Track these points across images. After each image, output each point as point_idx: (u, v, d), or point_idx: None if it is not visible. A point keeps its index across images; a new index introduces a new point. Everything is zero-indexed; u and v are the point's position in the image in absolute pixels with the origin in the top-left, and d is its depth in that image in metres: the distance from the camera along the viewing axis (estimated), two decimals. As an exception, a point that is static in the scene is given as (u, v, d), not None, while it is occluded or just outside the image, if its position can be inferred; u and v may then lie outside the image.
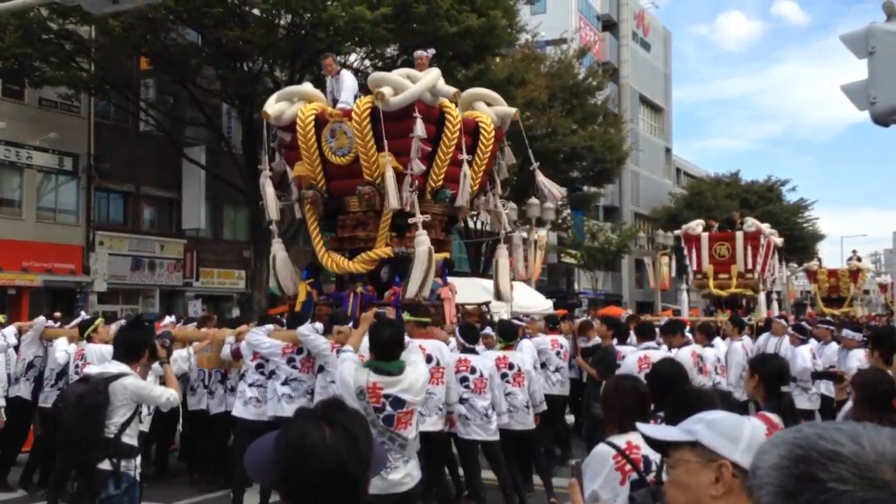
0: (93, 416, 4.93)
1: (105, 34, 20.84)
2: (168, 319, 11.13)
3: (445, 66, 23.18)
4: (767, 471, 1.18)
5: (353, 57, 23.55)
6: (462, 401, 7.24)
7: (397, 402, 4.75)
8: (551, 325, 10.58)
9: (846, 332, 10.40)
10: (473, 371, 7.35)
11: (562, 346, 10.16)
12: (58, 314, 11.09)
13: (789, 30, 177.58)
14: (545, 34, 33.71)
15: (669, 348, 8.37)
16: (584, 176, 34.53)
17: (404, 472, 4.84)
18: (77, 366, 7.97)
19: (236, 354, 8.03)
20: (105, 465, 4.98)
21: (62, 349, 8.44)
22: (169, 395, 5.35)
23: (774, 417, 3.61)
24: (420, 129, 9.34)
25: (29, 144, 22.84)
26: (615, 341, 9.14)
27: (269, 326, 8.00)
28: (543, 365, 10.05)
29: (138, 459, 5.19)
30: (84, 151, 24.49)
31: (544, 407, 8.58)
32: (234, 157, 23.30)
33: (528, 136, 29.42)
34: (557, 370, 10.08)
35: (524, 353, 9.33)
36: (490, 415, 7.40)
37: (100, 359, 7.51)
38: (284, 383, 7.51)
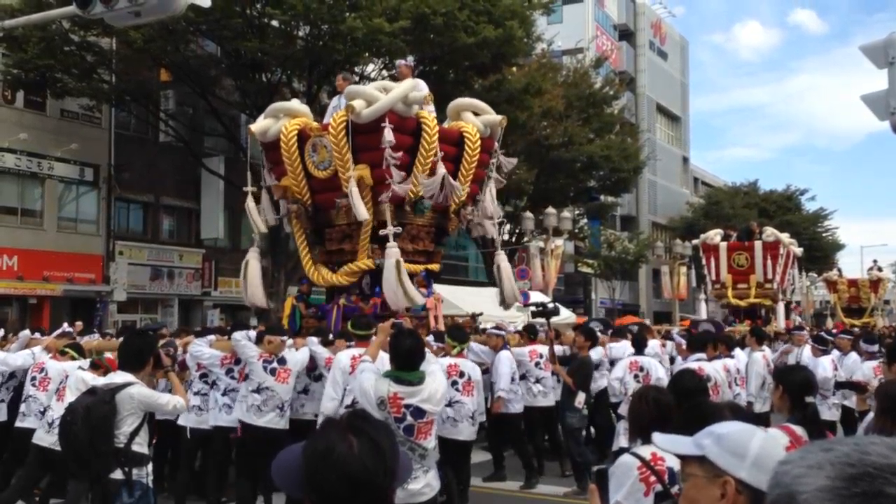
0: (102, 428, 4.96)
1: (126, 46, 21.08)
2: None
3: (462, 76, 23.33)
4: (817, 494, 1.11)
5: (370, 67, 23.68)
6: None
7: (418, 412, 4.76)
8: (530, 335, 10.43)
9: (863, 344, 10.36)
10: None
11: (541, 356, 9.90)
12: (79, 323, 11.13)
13: (807, 39, 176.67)
14: (561, 44, 33.76)
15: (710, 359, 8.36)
16: (600, 185, 34.49)
17: (424, 482, 4.85)
18: (34, 378, 7.96)
19: (182, 365, 8.13)
20: (117, 474, 5.02)
21: (30, 352, 8.43)
22: (176, 402, 5.41)
23: (798, 429, 3.58)
24: (388, 137, 9.36)
25: (50, 155, 23.10)
26: (633, 350, 9.11)
27: (212, 337, 8.14)
28: (523, 377, 9.87)
29: (150, 467, 5.24)
30: (104, 162, 24.74)
31: (483, 418, 8.42)
32: (252, 167, 23.40)
33: (544, 145, 29.57)
34: (538, 381, 9.89)
35: (501, 363, 9.33)
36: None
37: (59, 375, 7.58)
38: (224, 393, 7.65)
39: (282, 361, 7.42)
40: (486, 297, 15.98)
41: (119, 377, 5.22)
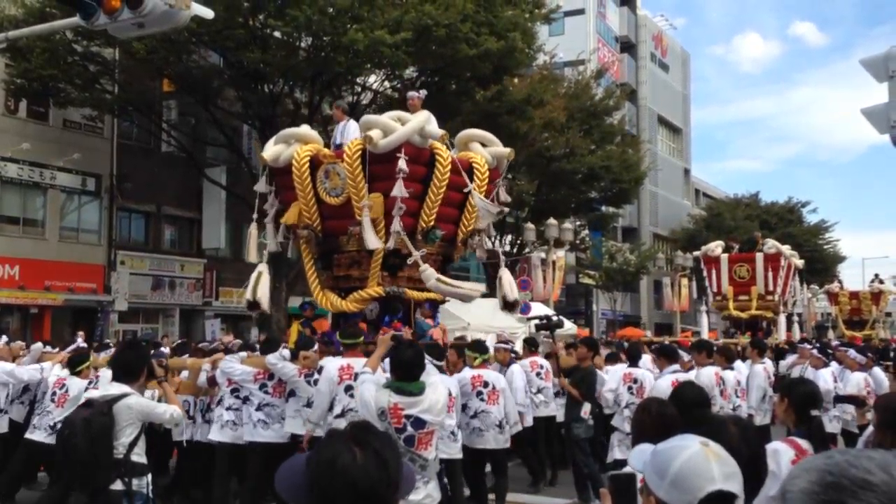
0: (101, 439, 4.95)
1: (129, 56, 21.19)
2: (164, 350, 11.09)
3: (464, 87, 23.39)
4: (797, 495, 1.22)
5: (372, 79, 23.75)
6: None
7: (418, 423, 4.77)
8: (531, 347, 10.59)
9: (850, 353, 10.35)
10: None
11: (542, 367, 10.20)
12: (81, 333, 11.15)
13: (808, 51, 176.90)
14: (563, 55, 33.83)
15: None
16: (602, 196, 34.51)
17: (424, 493, 4.85)
18: (55, 393, 7.97)
19: (211, 381, 8.20)
20: (117, 485, 5.00)
21: (39, 366, 8.50)
22: (173, 411, 5.40)
23: (804, 443, 3.58)
24: (402, 167, 9.44)
25: (53, 165, 23.16)
26: (627, 364, 9.12)
27: (243, 354, 8.24)
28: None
29: (149, 477, 5.24)
30: (107, 172, 24.79)
31: (519, 427, 8.61)
32: (254, 177, 23.44)
33: (546, 156, 29.60)
34: (540, 391, 10.09)
35: (514, 377, 9.50)
36: (456, 433, 7.47)
37: (80, 390, 7.60)
38: (258, 409, 7.72)
39: (321, 372, 7.48)
40: (487, 308, 15.96)
41: (115, 388, 5.20)
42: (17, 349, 10.43)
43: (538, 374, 10.10)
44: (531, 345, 10.69)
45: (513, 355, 10.55)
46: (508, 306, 11.55)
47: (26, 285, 22.19)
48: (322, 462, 1.67)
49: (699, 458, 1.82)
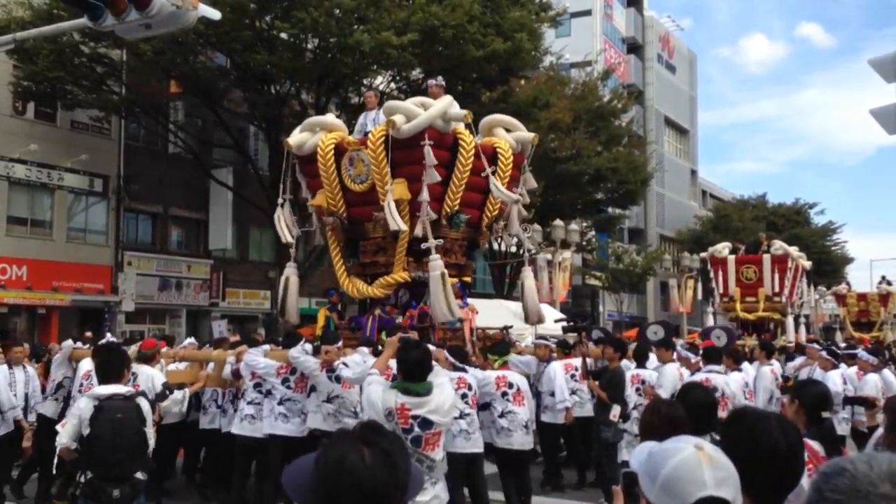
0: (144, 427, 5.16)
1: (136, 58, 21.23)
2: (188, 341, 11.27)
3: (470, 88, 23.37)
4: (811, 481, 1.38)
5: (378, 80, 23.76)
6: (462, 416, 7.19)
7: (425, 424, 4.76)
8: (564, 350, 10.60)
9: (861, 355, 10.32)
10: (470, 388, 7.46)
11: (576, 369, 10.13)
12: (89, 334, 11.16)
13: (814, 53, 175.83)
14: (570, 57, 33.80)
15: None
16: (608, 198, 34.47)
17: (432, 494, 4.84)
18: (82, 385, 8.05)
19: (236, 374, 8.31)
20: (140, 475, 5.16)
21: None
22: (152, 442, 5.46)
23: (815, 445, 3.54)
24: (429, 157, 9.43)
25: (60, 166, 23.24)
26: (634, 364, 9.10)
27: (266, 347, 8.30)
28: None
29: None
30: (114, 173, 24.86)
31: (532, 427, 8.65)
32: (260, 178, 23.57)
33: (552, 158, 29.56)
34: (574, 392, 10.10)
35: (556, 374, 9.58)
36: (478, 430, 7.56)
37: None
38: (280, 403, 7.82)
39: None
40: (493, 309, 15.99)
41: (124, 390, 5.31)
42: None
43: (572, 376, 10.10)
44: (564, 347, 10.67)
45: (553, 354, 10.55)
46: (529, 320, 11.53)
47: (34, 286, 22.26)
48: (329, 461, 1.66)
49: (690, 462, 1.76)
